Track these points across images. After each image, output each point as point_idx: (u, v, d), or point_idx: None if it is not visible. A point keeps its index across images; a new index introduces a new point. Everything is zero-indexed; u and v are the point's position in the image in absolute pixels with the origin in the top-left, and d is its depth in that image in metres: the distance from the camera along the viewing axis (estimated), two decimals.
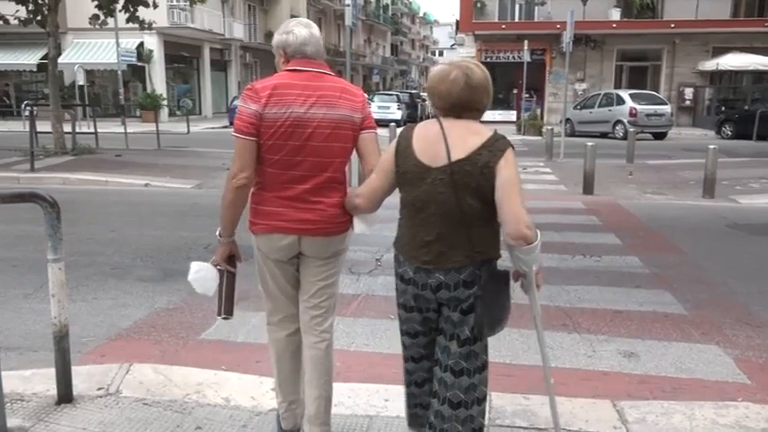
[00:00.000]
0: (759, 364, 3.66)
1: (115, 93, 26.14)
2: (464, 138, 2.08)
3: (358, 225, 2.44)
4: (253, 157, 2.29)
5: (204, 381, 3.20)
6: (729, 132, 20.31)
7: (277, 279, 2.48)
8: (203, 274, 2.46)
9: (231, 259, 2.47)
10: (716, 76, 25.16)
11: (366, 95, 2.54)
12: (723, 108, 22.93)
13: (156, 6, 13.81)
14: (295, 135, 2.28)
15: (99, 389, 3.06)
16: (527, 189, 9.66)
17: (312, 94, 2.30)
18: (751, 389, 3.33)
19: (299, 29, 2.36)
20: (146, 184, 10.42)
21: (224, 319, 2.54)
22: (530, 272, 2.07)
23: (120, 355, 3.59)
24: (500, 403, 2.97)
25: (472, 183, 2.04)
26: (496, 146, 2.06)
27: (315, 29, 2.41)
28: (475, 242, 2.10)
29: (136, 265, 5.54)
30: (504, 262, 2.18)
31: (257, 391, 3.10)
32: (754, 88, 23.62)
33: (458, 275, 2.11)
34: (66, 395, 2.92)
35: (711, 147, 9.63)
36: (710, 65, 24.08)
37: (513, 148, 2.09)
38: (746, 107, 20.91)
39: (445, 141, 2.08)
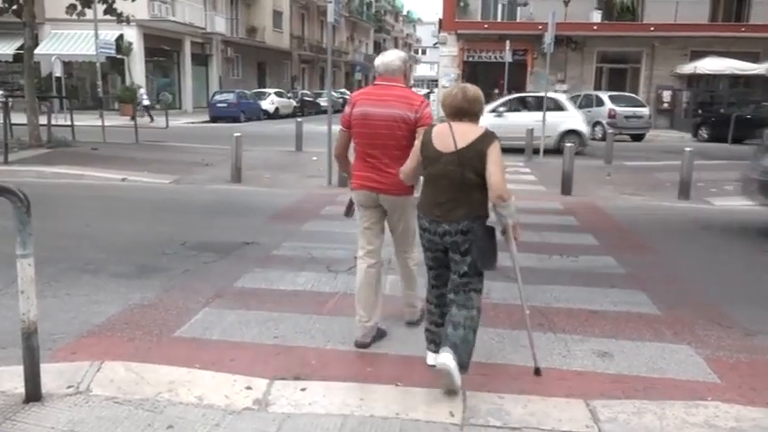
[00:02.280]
0: (729, 363, 3.71)
1: (93, 85, 25.67)
2: (465, 134, 3.07)
3: (417, 191, 3.48)
4: (344, 141, 3.74)
5: (177, 379, 3.16)
6: (706, 135, 20.56)
7: (365, 219, 3.76)
8: None
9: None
10: (693, 80, 25.46)
11: (425, 99, 3.71)
12: (700, 111, 23.24)
13: None
14: (367, 125, 3.56)
15: (69, 387, 3.01)
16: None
17: (380, 99, 3.55)
18: (721, 388, 3.38)
19: (380, 57, 3.68)
20: (123, 179, 10.28)
21: (345, 215, 3.98)
22: (508, 224, 3.11)
23: (92, 353, 3.54)
24: (474, 402, 2.98)
25: (472, 163, 3.02)
26: (486, 139, 3.06)
27: (388, 56, 3.66)
28: (471, 203, 3.09)
29: (110, 261, 5.46)
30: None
31: (231, 390, 3.08)
32: (731, 92, 23.99)
33: (457, 226, 3.09)
34: (34, 393, 2.87)
35: (687, 149, 9.75)
36: (688, 68, 24.38)
37: (498, 139, 3.10)
38: (722, 110, 21.25)
39: (453, 136, 3.07)
